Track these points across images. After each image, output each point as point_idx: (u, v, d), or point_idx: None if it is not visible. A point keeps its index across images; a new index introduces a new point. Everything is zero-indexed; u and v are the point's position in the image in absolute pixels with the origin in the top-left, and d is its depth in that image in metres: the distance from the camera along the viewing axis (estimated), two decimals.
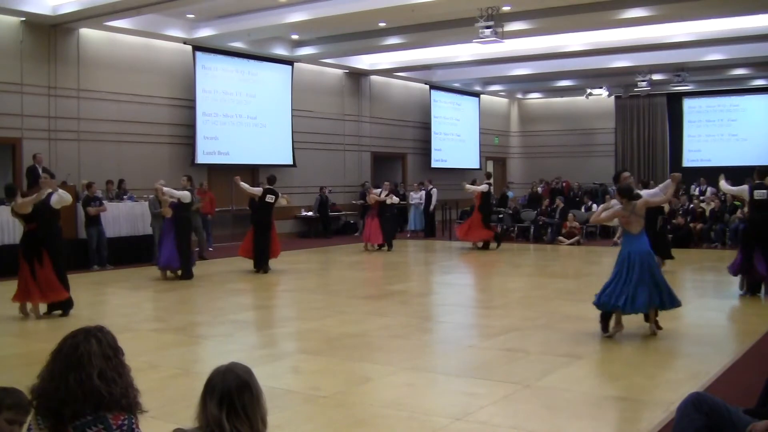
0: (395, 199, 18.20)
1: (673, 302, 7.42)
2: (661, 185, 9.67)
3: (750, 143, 26.06)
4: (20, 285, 8.77)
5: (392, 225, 18.38)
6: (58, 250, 9.02)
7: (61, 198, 9.05)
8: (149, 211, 14.50)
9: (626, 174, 8.94)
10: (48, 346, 2.69)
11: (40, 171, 13.83)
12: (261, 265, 13.06)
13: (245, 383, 2.47)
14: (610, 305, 7.30)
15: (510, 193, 23.80)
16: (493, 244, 17.09)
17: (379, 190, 17.66)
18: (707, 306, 9.61)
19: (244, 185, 13.75)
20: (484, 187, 17.02)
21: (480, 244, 17.13)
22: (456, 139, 26.78)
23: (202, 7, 15.57)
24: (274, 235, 13.50)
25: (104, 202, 14.06)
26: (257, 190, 13.62)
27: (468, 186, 17.25)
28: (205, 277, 12.73)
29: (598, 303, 7.41)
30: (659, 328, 7.53)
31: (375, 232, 16.81)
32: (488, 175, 18.39)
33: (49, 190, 8.92)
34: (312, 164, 21.21)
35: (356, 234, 21.33)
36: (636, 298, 7.19)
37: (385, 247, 16.99)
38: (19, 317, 8.81)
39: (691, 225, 17.22)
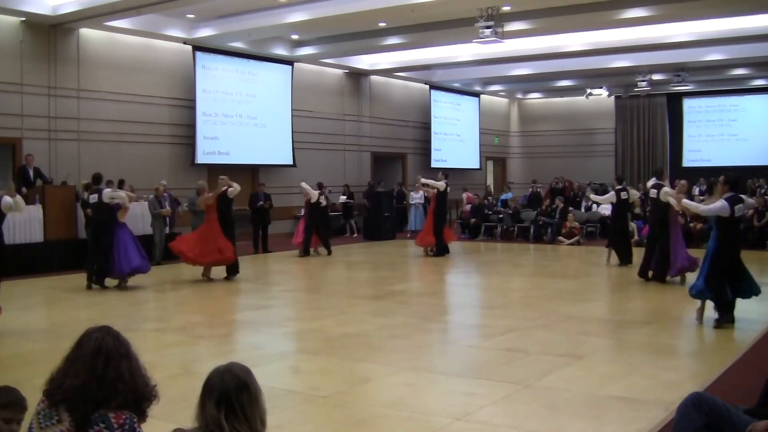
0: (323, 200, 16.31)
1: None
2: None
3: (750, 143, 26.05)
4: None
5: (324, 227, 16.58)
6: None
7: (9, 204, 8.06)
8: (149, 212, 14.52)
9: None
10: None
11: (31, 172, 13.84)
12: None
13: (243, 383, 2.47)
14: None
15: (509, 194, 23.77)
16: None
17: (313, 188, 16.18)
18: (707, 306, 9.59)
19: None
20: (441, 185, 15.67)
21: (431, 251, 15.70)
22: (456, 139, 26.77)
23: (202, 7, 15.57)
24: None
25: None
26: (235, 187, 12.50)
27: (424, 180, 16.09)
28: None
29: None
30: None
31: (298, 233, 15.94)
32: (446, 175, 16.57)
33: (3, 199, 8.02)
34: (312, 164, 21.19)
35: (354, 235, 21.36)
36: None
37: (318, 251, 15.98)
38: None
39: (691, 225, 17.20)
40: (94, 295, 10.95)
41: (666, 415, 4.75)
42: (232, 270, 12.27)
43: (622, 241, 13.76)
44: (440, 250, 15.59)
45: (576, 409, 5.17)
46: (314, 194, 15.93)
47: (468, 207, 21.48)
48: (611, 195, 14.07)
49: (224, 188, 12.17)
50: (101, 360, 2.49)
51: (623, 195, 13.78)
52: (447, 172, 16.95)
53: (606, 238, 14.86)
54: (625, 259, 13.44)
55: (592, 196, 16.37)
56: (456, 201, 21.84)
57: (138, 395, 2.54)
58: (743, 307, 8.20)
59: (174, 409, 4.42)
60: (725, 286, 7.85)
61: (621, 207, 13.89)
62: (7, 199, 8.01)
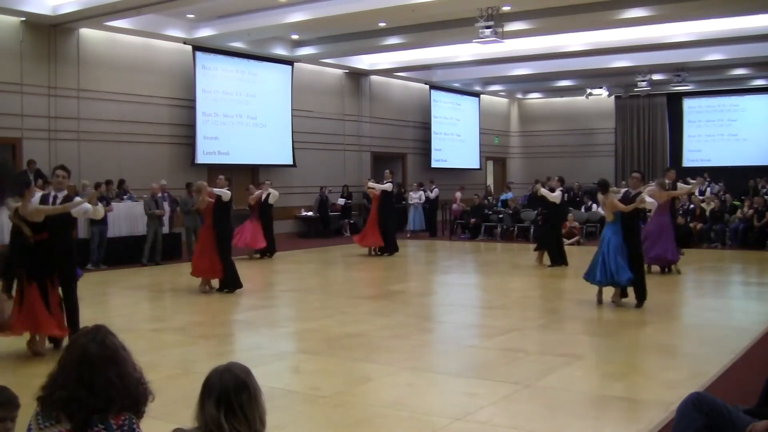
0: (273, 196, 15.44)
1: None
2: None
3: (750, 143, 26.06)
4: (26, 313, 6.77)
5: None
6: (73, 269, 7.34)
7: (88, 211, 7.44)
8: (145, 212, 14.47)
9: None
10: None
11: (31, 177, 13.78)
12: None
13: (243, 383, 2.46)
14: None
15: (509, 194, 23.75)
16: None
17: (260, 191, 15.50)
18: (707, 306, 9.60)
19: (214, 189, 11.13)
20: (387, 186, 15.58)
21: (377, 250, 15.79)
22: (456, 139, 26.78)
23: (202, 7, 15.57)
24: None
25: None
26: (225, 193, 10.96)
27: (371, 184, 15.92)
28: None
29: None
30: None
31: (256, 236, 14.92)
32: (392, 173, 16.66)
33: (82, 204, 7.29)
34: (312, 164, 21.20)
35: (347, 234, 21.32)
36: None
37: (268, 255, 15.30)
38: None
39: (691, 225, 17.21)
40: (95, 295, 10.95)
41: (666, 415, 4.75)
42: (224, 285, 10.89)
43: (555, 242, 13.71)
44: (389, 248, 15.69)
45: (576, 409, 5.16)
46: (254, 194, 15.40)
47: (456, 206, 21.45)
48: (558, 194, 13.84)
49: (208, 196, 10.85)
50: (86, 369, 2.45)
51: (566, 197, 14.29)
52: (393, 170, 16.95)
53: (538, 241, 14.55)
54: (559, 260, 13.46)
55: (542, 190, 15.72)
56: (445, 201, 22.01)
57: (133, 398, 2.52)
58: (743, 308, 8.21)
59: (173, 409, 4.42)
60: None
61: (562, 208, 14.13)
62: (86, 206, 7.44)
